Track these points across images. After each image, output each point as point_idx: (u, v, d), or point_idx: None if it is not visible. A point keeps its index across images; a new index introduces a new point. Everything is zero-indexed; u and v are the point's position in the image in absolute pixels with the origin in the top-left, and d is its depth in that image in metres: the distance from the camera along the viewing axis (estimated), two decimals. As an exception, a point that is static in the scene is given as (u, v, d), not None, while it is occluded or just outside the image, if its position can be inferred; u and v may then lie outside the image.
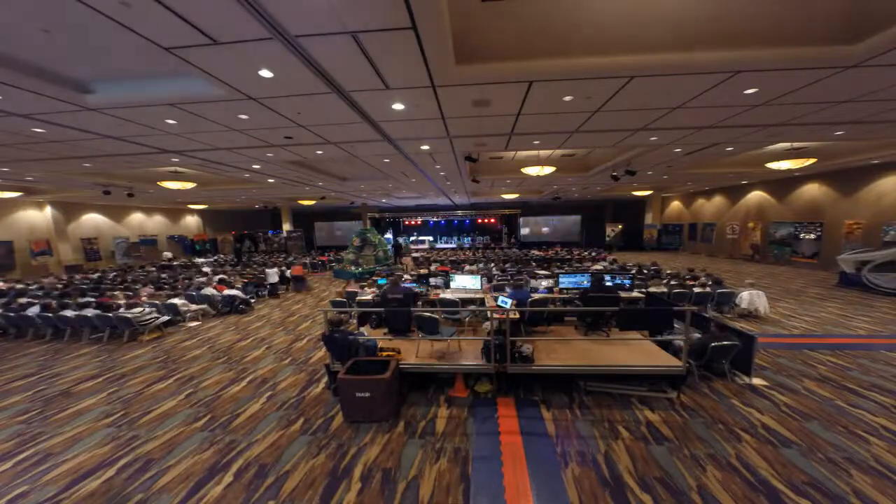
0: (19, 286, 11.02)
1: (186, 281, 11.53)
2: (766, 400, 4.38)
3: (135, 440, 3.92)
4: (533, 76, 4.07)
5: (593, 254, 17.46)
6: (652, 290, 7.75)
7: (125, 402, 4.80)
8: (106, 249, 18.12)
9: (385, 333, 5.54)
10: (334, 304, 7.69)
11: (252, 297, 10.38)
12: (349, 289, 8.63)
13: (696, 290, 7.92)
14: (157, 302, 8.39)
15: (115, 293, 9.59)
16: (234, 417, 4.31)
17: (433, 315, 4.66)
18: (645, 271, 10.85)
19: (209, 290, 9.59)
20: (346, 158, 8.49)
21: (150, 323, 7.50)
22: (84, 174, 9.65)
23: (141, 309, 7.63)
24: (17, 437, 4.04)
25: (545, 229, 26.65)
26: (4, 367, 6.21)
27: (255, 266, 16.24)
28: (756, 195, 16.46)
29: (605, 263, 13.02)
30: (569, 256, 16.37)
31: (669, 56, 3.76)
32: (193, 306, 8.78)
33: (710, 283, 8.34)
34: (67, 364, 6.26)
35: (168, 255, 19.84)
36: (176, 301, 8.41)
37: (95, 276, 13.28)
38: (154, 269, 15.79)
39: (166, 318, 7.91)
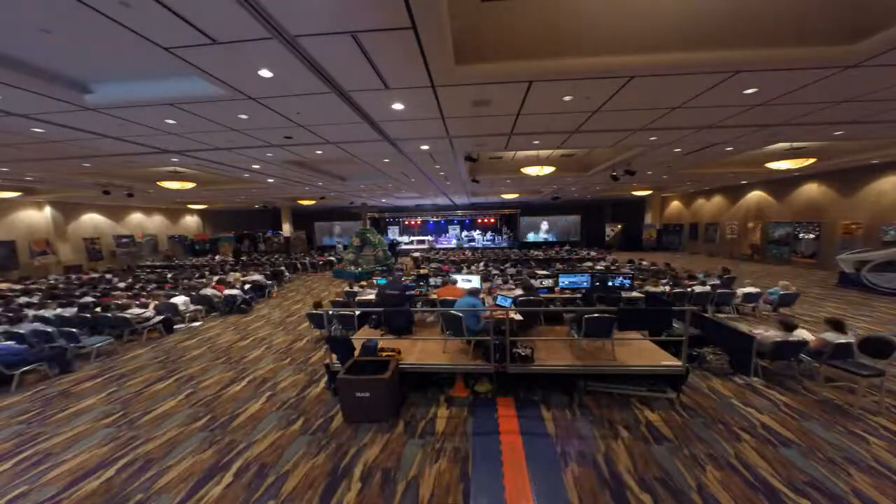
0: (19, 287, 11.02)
1: (186, 281, 11.58)
2: (766, 400, 4.39)
3: (135, 440, 3.91)
4: (533, 76, 4.07)
5: (592, 253, 17.52)
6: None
7: (125, 402, 4.80)
8: (106, 249, 18.13)
9: (383, 334, 5.54)
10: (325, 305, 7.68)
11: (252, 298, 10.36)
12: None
13: (697, 289, 7.94)
14: (156, 302, 8.38)
15: (115, 293, 9.62)
16: (234, 417, 4.31)
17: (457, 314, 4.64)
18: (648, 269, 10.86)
19: (208, 291, 9.60)
20: (346, 158, 8.49)
21: (149, 322, 7.50)
22: (84, 174, 9.65)
23: (141, 311, 7.63)
24: (16, 437, 4.03)
25: (544, 227, 26.52)
26: (4, 367, 6.20)
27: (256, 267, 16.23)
28: (756, 195, 16.46)
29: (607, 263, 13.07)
30: (569, 256, 16.40)
31: (669, 56, 3.76)
32: (193, 306, 8.78)
33: (721, 280, 8.45)
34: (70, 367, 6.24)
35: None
36: (176, 301, 8.41)
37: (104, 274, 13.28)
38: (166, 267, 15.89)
39: (160, 318, 7.80)
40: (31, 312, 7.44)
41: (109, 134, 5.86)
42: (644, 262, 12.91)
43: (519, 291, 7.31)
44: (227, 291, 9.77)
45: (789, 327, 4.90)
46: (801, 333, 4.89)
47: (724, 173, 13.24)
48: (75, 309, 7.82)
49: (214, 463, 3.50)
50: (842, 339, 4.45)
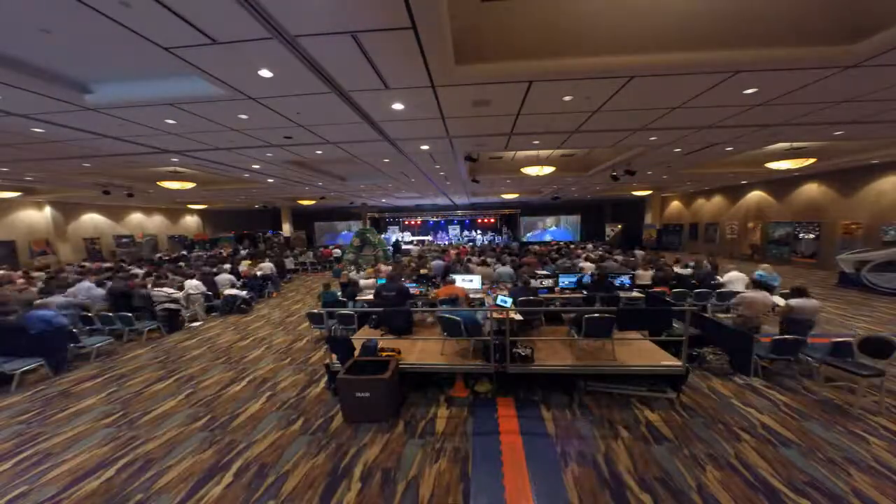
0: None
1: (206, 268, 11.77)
2: (766, 400, 4.39)
3: (135, 440, 3.92)
4: (533, 76, 4.07)
5: (589, 245, 17.60)
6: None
7: (125, 402, 4.80)
8: (106, 249, 18.15)
9: (383, 334, 5.54)
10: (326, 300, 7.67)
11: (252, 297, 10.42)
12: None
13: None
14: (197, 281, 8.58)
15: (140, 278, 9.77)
16: (234, 417, 4.31)
17: (452, 317, 4.63)
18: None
19: (224, 276, 9.75)
20: (346, 158, 8.49)
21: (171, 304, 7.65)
22: (84, 174, 9.65)
23: (170, 291, 7.76)
24: (16, 437, 4.03)
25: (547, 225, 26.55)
26: (4, 367, 6.20)
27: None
28: (756, 195, 16.47)
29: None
30: (566, 249, 16.44)
31: (669, 56, 3.76)
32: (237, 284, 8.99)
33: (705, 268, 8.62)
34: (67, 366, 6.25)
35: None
36: (219, 279, 8.57)
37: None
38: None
39: (202, 293, 8.16)
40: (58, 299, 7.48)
41: (109, 134, 5.86)
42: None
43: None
44: (228, 291, 9.77)
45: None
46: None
47: (724, 173, 13.24)
48: (103, 290, 8.01)
49: (214, 463, 3.50)
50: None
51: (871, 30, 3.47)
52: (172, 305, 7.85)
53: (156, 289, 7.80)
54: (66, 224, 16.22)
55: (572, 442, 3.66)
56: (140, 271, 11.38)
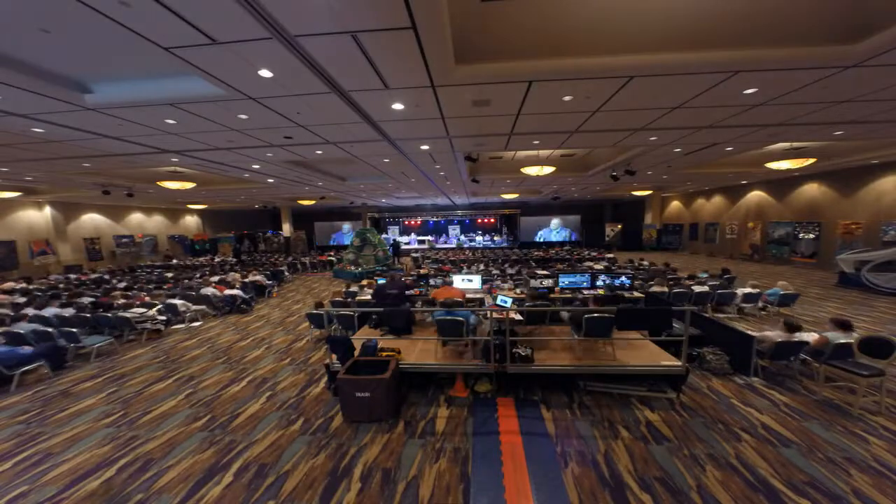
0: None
1: (186, 281, 11.59)
2: (766, 399, 4.39)
3: (135, 440, 3.91)
4: (533, 76, 4.07)
5: (593, 253, 17.52)
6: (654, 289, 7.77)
7: (125, 401, 4.80)
8: (106, 249, 18.15)
9: (383, 334, 5.53)
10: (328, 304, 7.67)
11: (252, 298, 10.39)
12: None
13: (696, 289, 7.93)
14: (156, 302, 8.38)
15: (116, 293, 9.63)
16: (234, 417, 4.31)
17: (455, 319, 4.60)
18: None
19: (209, 290, 9.60)
20: (346, 158, 8.49)
21: (148, 322, 7.51)
22: (84, 174, 9.65)
23: (143, 310, 7.63)
24: (16, 438, 4.03)
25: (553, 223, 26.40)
26: (4, 367, 6.19)
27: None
28: (756, 195, 16.47)
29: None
30: (569, 257, 16.40)
31: (669, 56, 3.76)
32: (193, 306, 8.78)
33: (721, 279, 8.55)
34: (66, 363, 6.25)
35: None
36: (176, 301, 8.41)
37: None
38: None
39: (163, 318, 7.89)
40: (30, 312, 7.45)
41: (109, 134, 5.86)
42: (644, 262, 12.92)
43: (523, 295, 7.26)
44: (228, 291, 9.77)
45: (792, 328, 4.88)
46: (805, 336, 4.89)
47: (724, 173, 13.25)
48: (74, 310, 7.81)
49: (214, 463, 3.50)
50: (842, 339, 4.45)
51: (871, 30, 3.47)
52: (159, 318, 7.78)
53: (131, 310, 7.64)
54: (66, 224, 16.22)
55: (572, 442, 3.65)
56: (122, 284, 11.41)
